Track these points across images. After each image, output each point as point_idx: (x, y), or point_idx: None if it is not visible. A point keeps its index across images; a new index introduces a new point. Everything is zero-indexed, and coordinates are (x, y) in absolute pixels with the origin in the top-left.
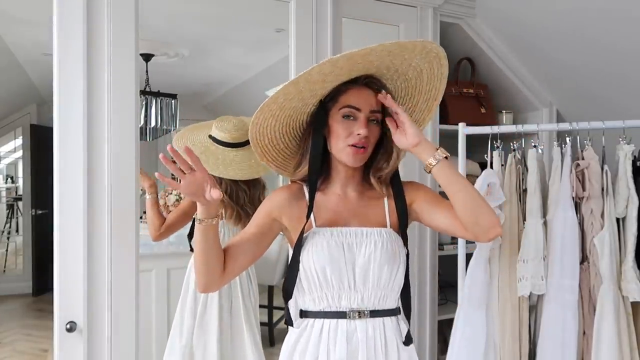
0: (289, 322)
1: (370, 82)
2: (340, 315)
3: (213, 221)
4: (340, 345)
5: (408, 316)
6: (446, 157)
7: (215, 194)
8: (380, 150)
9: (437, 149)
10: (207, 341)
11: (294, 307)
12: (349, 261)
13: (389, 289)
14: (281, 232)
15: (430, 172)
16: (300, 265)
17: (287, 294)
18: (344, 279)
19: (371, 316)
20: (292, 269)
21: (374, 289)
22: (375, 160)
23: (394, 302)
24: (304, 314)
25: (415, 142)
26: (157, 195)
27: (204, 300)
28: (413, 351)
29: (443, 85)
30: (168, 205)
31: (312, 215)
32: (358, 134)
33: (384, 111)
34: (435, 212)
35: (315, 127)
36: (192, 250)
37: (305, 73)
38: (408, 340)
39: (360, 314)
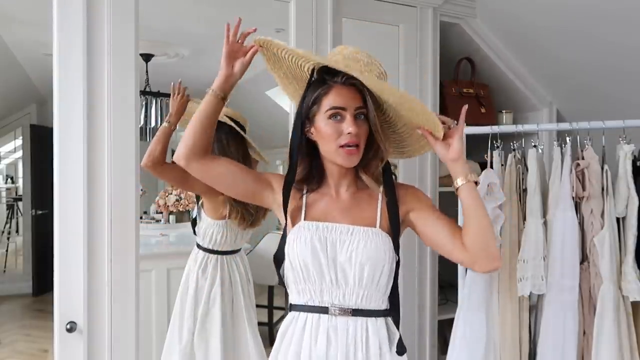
0: (283, 284)
1: (349, 80)
2: (323, 310)
3: (220, 94)
4: (321, 341)
5: (397, 322)
6: (476, 182)
7: (238, 65)
8: (367, 145)
9: (471, 172)
10: (209, 341)
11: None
12: (330, 257)
13: (373, 289)
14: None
15: (458, 189)
16: (287, 258)
17: (278, 261)
18: (325, 274)
19: (353, 315)
20: (281, 244)
21: (356, 288)
22: (364, 156)
23: (380, 303)
24: (291, 307)
25: (457, 157)
26: (174, 130)
27: (207, 300)
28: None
29: (439, 128)
30: (168, 205)
31: (303, 211)
32: (348, 133)
33: (368, 107)
34: (435, 225)
35: (294, 130)
36: (195, 234)
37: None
38: (401, 349)
39: (342, 311)
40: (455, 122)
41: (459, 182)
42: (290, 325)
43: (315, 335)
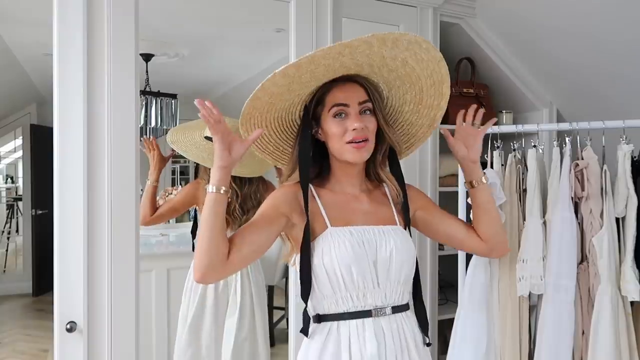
0: (305, 332)
1: (351, 76)
2: (366, 314)
3: (222, 190)
4: (371, 343)
5: (425, 316)
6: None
7: (236, 149)
8: (378, 141)
9: (484, 173)
10: (216, 341)
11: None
12: (371, 259)
13: (407, 284)
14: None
15: (473, 187)
16: (321, 267)
17: (307, 294)
18: (367, 277)
19: (393, 312)
20: (306, 274)
21: (395, 286)
22: (376, 153)
23: (408, 296)
24: (322, 318)
25: (477, 158)
26: (157, 187)
27: (213, 300)
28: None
29: (442, 68)
30: None
31: (325, 216)
32: (353, 129)
33: (373, 100)
34: (448, 222)
35: (302, 132)
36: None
37: (268, 81)
38: (429, 340)
39: (385, 310)
40: (478, 124)
41: (483, 180)
42: (330, 336)
43: (363, 339)
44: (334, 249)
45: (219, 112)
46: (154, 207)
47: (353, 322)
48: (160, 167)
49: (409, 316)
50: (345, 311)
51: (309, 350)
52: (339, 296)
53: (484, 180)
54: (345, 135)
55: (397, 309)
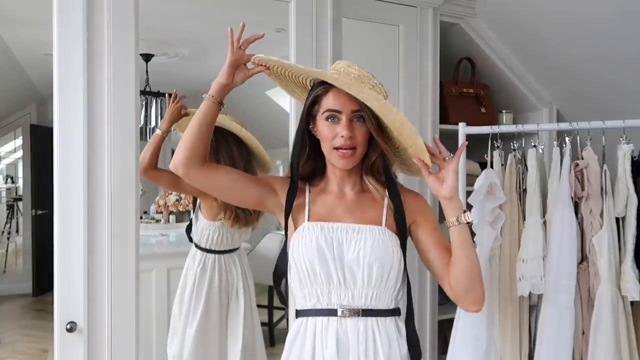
0: (284, 302)
1: None
2: (331, 312)
3: (217, 99)
4: (331, 344)
5: (413, 326)
6: (469, 223)
7: (240, 76)
8: (370, 148)
9: (465, 212)
10: (208, 339)
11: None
12: (337, 257)
13: (382, 288)
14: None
15: (449, 227)
16: (292, 260)
17: (279, 277)
18: (332, 274)
19: (363, 315)
20: (281, 256)
21: (365, 288)
22: (367, 159)
23: (390, 302)
24: (298, 313)
25: (450, 195)
26: (164, 139)
27: (206, 299)
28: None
29: (406, 126)
30: (168, 205)
31: (306, 211)
32: (342, 136)
33: (365, 110)
34: (433, 252)
35: (300, 119)
36: (191, 240)
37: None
38: (415, 356)
39: (352, 312)
40: (451, 154)
41: (451, 222)
42: (300, 332)
43: (325, 338)
44: (302, 243)
45: (243, 45)
46: (156, 159)
47: (319, 319)
48: (173, 119)
49: (387, 324)
50: (312, 307)
51: (288, 340)
52: (306, 292)
53: (453, 223)
54: (334, 140)
55: (370, 313)
